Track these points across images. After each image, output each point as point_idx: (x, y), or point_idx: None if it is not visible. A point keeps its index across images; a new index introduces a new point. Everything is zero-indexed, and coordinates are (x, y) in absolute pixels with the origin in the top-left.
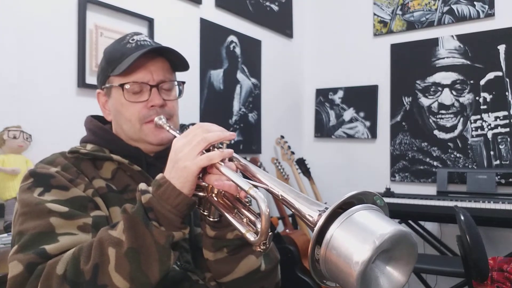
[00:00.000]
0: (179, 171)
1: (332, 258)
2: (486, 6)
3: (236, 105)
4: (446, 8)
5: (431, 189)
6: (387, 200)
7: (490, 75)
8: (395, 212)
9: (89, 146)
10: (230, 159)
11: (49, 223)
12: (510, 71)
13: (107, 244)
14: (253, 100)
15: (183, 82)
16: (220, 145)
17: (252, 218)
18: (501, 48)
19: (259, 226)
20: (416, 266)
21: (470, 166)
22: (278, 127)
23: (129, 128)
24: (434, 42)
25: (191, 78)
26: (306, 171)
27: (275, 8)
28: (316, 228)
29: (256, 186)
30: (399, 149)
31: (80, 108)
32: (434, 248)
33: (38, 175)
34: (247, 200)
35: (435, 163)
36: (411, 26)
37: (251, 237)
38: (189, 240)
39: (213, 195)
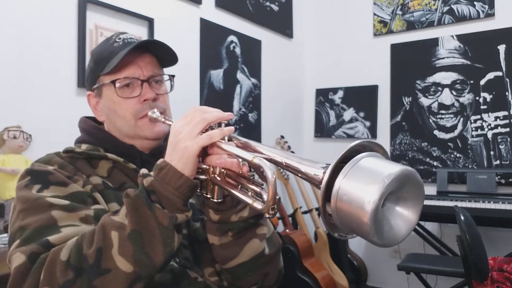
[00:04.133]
0: (180, 152)
1: (343, 207)
2: (486, 6)
3: (236, 105)
4: (446, 8)
5: (431, 189)
6: None
7: (490, 75)
8: None
9: (84, 146)
10: (229, 139)
11: (51, 216)
12: (510, 71)
13: (109, 228)
14: (253, 100)
15: (173, 76)
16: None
17: (257, 189)
18: (501, 48)
19: (265, 196)
20: (416, 266)
21: (470, 166)
22: (278, 127)
23: (124, 125)
24: (434, 42)
25: (191, 78)
26: None
27: (275, 8)
28: (323, 184)
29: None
30: (399, 149)
31: (80, 108)
32: (434, 248)
33: (35, 172)
34: (250, 174)
35: (435, 163)
36: (411, 26)
37: (258, 205)
38: (188, 236)
39: (216, 175)
